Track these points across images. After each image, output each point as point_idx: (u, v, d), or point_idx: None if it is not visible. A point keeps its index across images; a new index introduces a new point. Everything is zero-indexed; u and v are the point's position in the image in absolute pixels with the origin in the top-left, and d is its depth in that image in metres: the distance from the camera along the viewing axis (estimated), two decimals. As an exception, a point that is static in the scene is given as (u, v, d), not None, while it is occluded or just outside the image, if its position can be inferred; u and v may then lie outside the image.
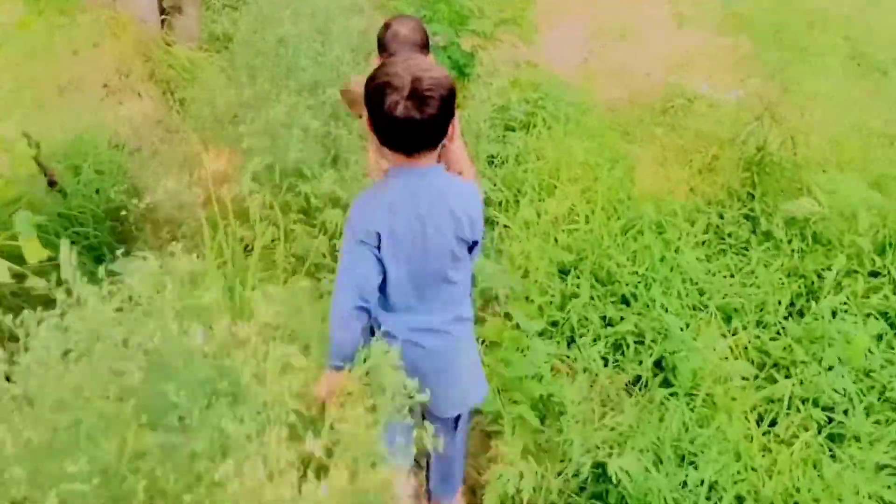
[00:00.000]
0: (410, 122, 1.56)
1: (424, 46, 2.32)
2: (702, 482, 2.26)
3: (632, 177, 3.49)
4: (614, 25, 6.25)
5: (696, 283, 3.06)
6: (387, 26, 2.33)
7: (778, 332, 2.92)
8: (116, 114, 4.55)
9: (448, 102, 1.59)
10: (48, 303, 1.36)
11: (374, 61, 2.32)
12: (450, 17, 4.16)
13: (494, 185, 3.56)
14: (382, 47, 2.32)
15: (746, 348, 2.80)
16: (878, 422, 2.58)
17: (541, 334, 2.69)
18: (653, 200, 3.35)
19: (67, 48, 4.62)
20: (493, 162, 3.69)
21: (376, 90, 1.58)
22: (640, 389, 2.65)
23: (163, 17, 4.62)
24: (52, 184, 3.04)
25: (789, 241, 3.28)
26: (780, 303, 3.01)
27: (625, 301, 3.03)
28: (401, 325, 1.78)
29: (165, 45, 4.57)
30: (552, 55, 5.28)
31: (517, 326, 2.62)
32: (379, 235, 1.66)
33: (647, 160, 3.69)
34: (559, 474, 2.32)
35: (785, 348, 2.79)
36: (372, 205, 1.69)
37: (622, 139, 3.92)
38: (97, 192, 3.30)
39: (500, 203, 3.52)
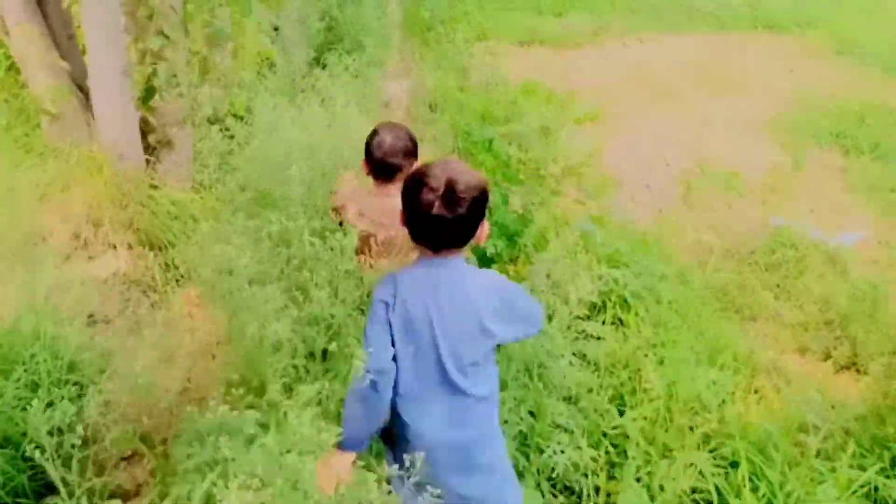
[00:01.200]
0: (440, 219, 1.69)
1: (412, 154, 2.36)
2: None
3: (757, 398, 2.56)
4: (692, 155, 5.55)
5: None
6: (374, 133, 2.40)
7: None
8: (85, 272, 3.79)
9: (479, 205, 1.71)
10: None
11: (361, 165, 2.42)
12: (495, 170, 3.41)
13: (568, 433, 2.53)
14: (368, 153, 2.38)
15: None
16: None
17: None
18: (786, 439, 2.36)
19: (32, 193, 3.92)
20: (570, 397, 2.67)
21: (413, 186, 1.72)
22: None
23: (148, 156, 3.93)
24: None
25: None
26: None
27: None
28: (412, 412, 1.83)
29: (150, 187, 3.85)
30: (625, 204, 4.55)
31: None
32: (390, 305, 1.76)
33: (763, 348, 2.82)
34: None
35: None
36: (392, 280, 1.80)
37: (727, 318, 3.06)
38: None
39: (587, 473, 2.47)
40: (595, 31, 9.40)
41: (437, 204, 1.67)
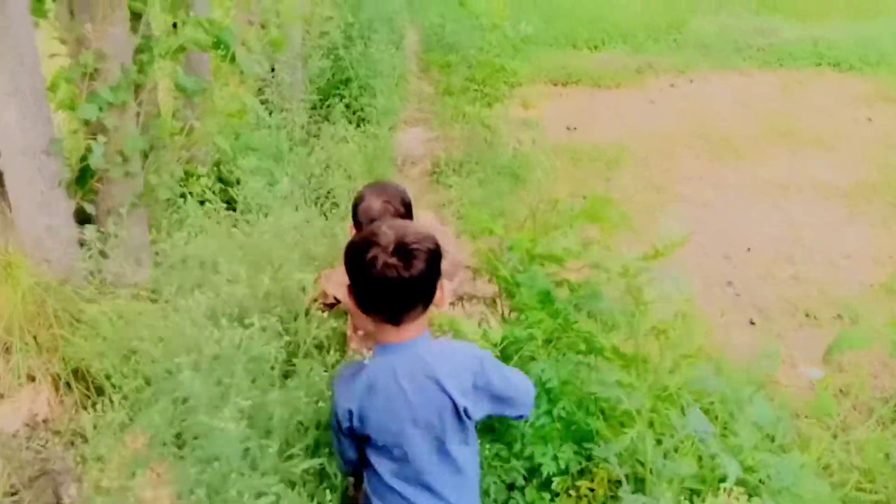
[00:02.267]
0: (396, 280, 1.57)
1: (405, 217, 2.13)
2: None
3: None
4: (779, 239, 4.63)
5: None
6: (360, 197, 2.17)
7: None
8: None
9: (435, 259, 1.62)
10: None
11: (349, 230, 2.24)
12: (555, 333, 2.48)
13: None
14: (355, 219, 2.16)
15: None
16: None
17: None
18: None
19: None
20: None
21: (358, 249, 1.62)
22: None
23: (85, 256, 3.05)
24: None
25: None
26: None
27: None
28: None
29: (84, 300, 2.96)
30: (713, 316, 3.63)
31: None
32: (351, 414, 1.70)
33: None
34: None
35: None
36: (350, 385, 1.72)
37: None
38: None
39: None
40: (638, 68, 8.52)
41: (389, 262, 1.57)
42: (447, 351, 1.74)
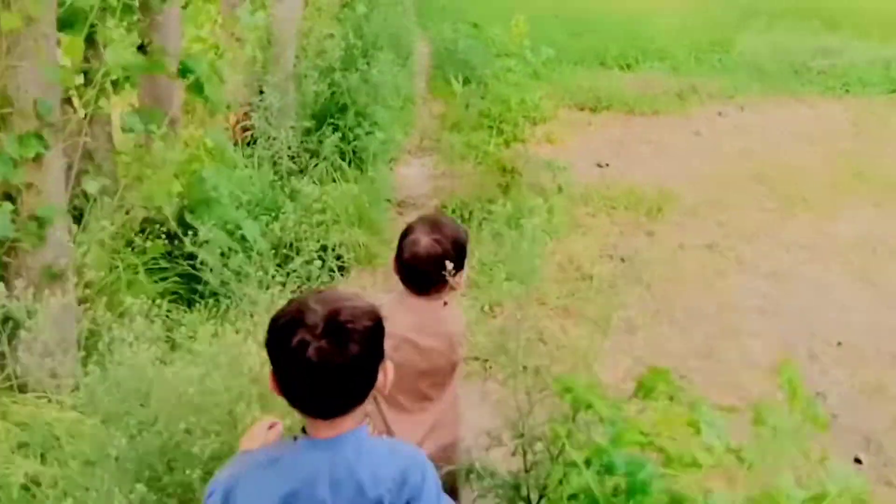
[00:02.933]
0: (326, 368, 1.32)
1: (455, 264, 1.87)
2: None
3: None
4: (872, 327, 3.65)
5: None
6: (408, 230, 1.98)
7: None
8: None
9: (376, 339, 1.39)
10: None
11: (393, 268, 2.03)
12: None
13: None
14: (399, 253, 1.97)
15: None
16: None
17: None
18: None
19: None
20: None
21: (281, 329, 1.35)
22: None
23: None
24: None
25: None
26: None
27: None
28: None
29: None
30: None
31: None
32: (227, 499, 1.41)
33: None
34: None
35: None
36: (257, 475, 1.41)
37: None
38: None
39: None
40: (679, 92, 7.59)
41: (318, 346, 1.29)
42: (383, 452, 1.46)
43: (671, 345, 3.64)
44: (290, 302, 1.42)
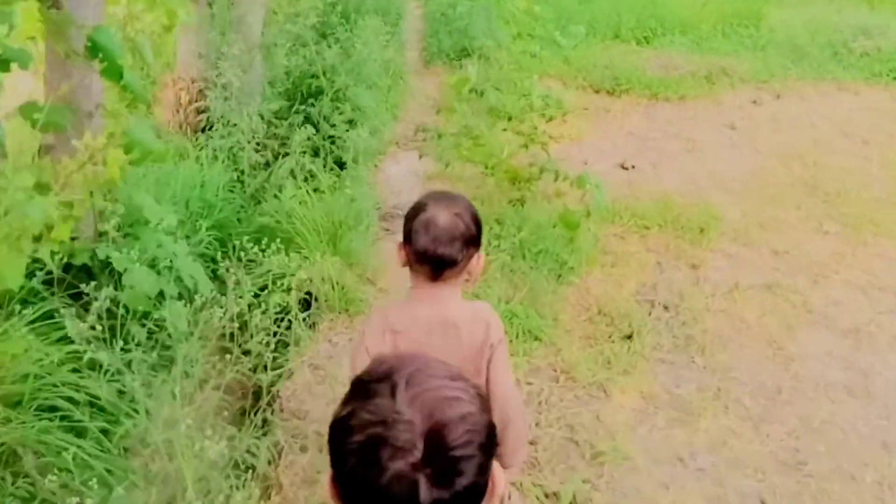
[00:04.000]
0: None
1: (473, 242, 1.70)
2: None
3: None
4: None
5: None
6: (420, 207, 1.72)
7: None
8: None
9: (487, 456, 0.94)
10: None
11: (396, 249, 1.78)
12: None
13: None
14: (409, 237, 1.70)
15: None
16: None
17: None
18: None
19: None
20: None
21: (363, 449, 0.90)
22: None
23: None
24: None
25: None
26: None
27: None
28: None
29: None
30: None
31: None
32: None
33: None
34: None
35: None
36: None
37: None
38: None
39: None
40: (707, 74, 6.60)
41: (415, 478, 0.88)
42: None
43: (744, 447, 2.76)
44: (358, 388, 0.96)
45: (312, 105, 4.91)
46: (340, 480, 0.95)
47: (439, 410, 0.91)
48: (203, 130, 5.13)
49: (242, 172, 4.85)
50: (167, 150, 3.33)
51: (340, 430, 0.93)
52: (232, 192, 4.64)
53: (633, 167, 5.11)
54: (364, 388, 0.94)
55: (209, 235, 4.12)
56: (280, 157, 4.99)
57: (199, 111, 5.13)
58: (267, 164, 4.91)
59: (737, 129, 5.84)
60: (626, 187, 4.77)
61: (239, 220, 4.53)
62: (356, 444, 0.91)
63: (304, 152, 4.50)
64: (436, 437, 0.90)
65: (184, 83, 5.20)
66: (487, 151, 3.93)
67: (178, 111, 5.23)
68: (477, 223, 1.74)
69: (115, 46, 2.80)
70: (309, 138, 4.70)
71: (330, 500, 0.99)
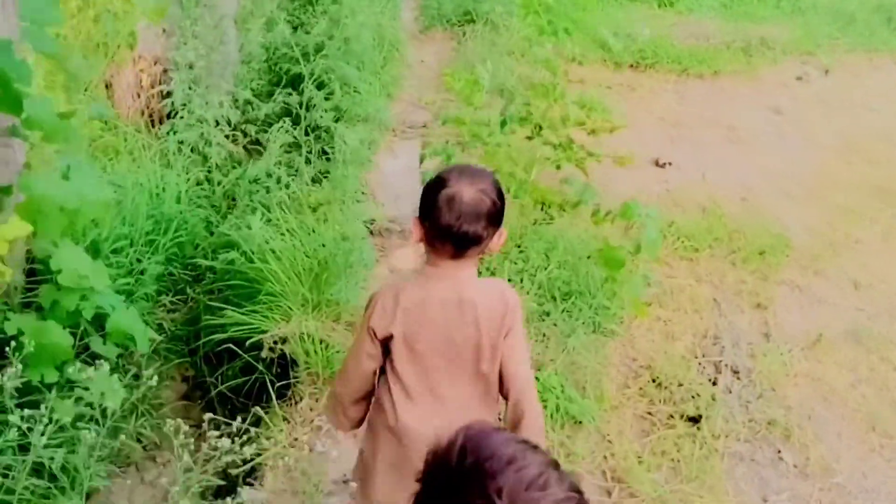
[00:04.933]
0: None
1: (497, 219, 1.61)
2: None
3: None
4: None
5: None
6: (441, 182, 1.59)
7: None
8: None
9: None
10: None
11: (412, 225, 1.66)
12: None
13: None
14: (429, 213, 1.59)
15: None
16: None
17: None
18: None
19: None
20: None
21: (446, 482, 0.91)
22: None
23: None
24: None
25: None
26: None
27: None
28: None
29: None
30: None
31: None
32: None
33: None
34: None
35: None
36: None
37: None
38: None
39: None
40: (744, 46, 5.77)
41: None
42: None
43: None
44: (449, 458, 0.90)
45: (290, 94, 4.08)
46: None
47: (527, 492, 0.86)
48: (169, 117, 4.32)
49: (210, 172, 4.07)
50: (68, 128, 2.44)
51: (433, 473, 0.92)
52: (199, 197, 3.87)
53: (669, 164, 4.34)
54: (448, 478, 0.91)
55: (168, 252, 3.40)
56: (258, 147, 4.21)
57: (163, 95, 4.31)
58: (237, 165, 4.12)
59: (782, 114, 5.05)
60: (665, 193, 4.01)
61: (209, 228, 3.79)
62: (437, 474, 0.91)
63: (280, 163, 3.72)
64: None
65: (145, 63, 4.37)
66: (508, 167, 3.13)
67: (138, 96, 4.41)
68: (502, 200, 1.63)
69: (14, 66, 1.99)
70: (288, 130, 3.92)
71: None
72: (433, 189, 1.59)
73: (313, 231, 3.01)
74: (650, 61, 5.63)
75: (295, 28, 5.22)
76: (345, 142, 4.07)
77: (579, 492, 0.91)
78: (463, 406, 1.67)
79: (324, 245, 2.90)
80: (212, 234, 3.79)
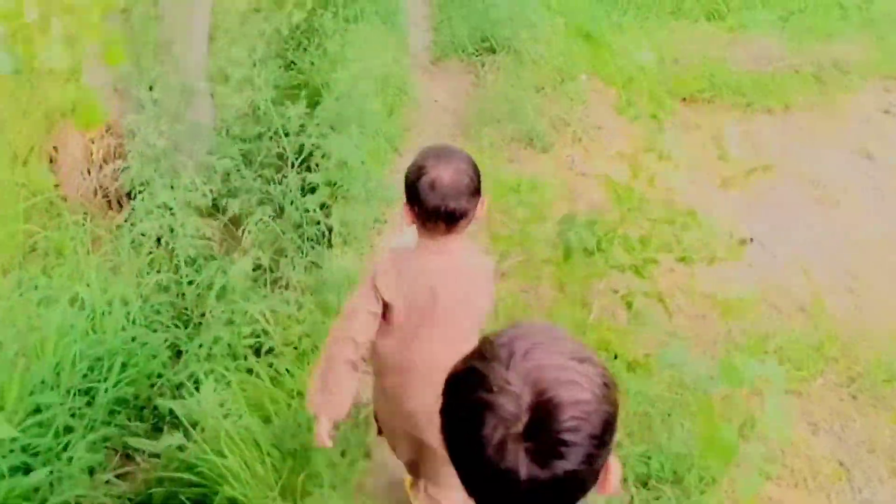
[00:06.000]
0: (525, 481, 0.89)
1: (477, 191, 1.77)
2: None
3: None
4: None
5: None
6: (419, 168, 1.75)
7: None
8: None
9: (599, 447, 0.90)
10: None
11: (402, 210, 1.80)
12: None
13: None
14: (415, 197, 1.74)
15: None
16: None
17: None
18: None
19: None
20: None
21: (468, 410, 0.92)
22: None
23: None
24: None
25: None
26: None
27: None
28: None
29: None
30: None
31: None
32: None
33: None
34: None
35: None
36: None
37: None
38: None
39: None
40: (815, 71, 4.89)
41: (519, 452, 0.87)
42: None
43: None
44: (484, 347, 0.95)
45: (272, 181, 3.26)
46: (449, 437, 0.95)
47: (551, 389, 0.88)
48: (130, 196, 3.53)
49: (178, 268, 3.28)
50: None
51: (454, 385, 0.96)
52: (157, 312, 3.07)
53: (752, 241, 3.48)
54: (488, 348, 0.94)
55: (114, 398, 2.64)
56: (232, 245, 3.42)
57: (120, 174, 3.52)
58: (210, 259, 3.31)
59: (873, 158, 4.18)
60: (754, 285, 3.15)
61: (174, 350, 3.00)
62: (465, 404, 0.92)
63: (259, 267, 2.91)
64: (541, 414, 0.88)
65: (95, 132, 3.59)
66: (561, 304, 2.29)
67: (89, 172, 3.62)
68: (478, 173, 1.76)
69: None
70: (267, 224, 3.12)
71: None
72: (414, 176, 1.72)
73: (291, 402, 2.19)
74: (706, 92, 4.77)
75: (290, 65, 4.44)
76: (342, 226, 3.28)
77: (608, 383, 0.90)
78: (452, 360, 1.48)
79: (308, 429, 2.08)
80: (178, 354, 3.02)
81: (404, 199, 1.76)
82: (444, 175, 1.70)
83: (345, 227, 3.32)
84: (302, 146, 3.21)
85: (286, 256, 3.10)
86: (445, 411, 0.96)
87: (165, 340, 2.94)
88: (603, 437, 0.90)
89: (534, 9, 5.46)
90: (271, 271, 3.11)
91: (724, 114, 4.63)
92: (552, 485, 0.89)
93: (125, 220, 3.36)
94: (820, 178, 4.01)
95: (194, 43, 3.50)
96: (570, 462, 0.88)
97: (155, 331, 2.97)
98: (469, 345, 1.64)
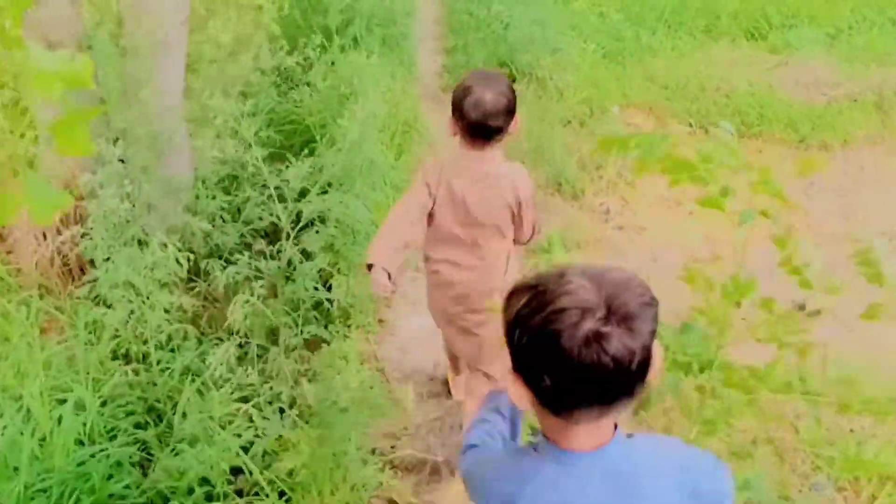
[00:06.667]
0: (614, 371, 1.00)
1: (513, 111, 2.07)
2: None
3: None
4: None
5: None
6: (466, 89, 2.04)
7: None
8: None
9: (655, 322, 1.04)
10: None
11: (448, 123, 2.10)
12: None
13: None
14: (461, 113, 2.05)
15: None
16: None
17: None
18: None
19: None
20: None
21: (544, 321, 1.00)
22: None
23: None
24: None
25: None
26: None
27: None
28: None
29: None
30: None
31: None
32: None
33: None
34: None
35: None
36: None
37: None
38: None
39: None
40: (876, 100, 4.37)
41: (605, 335, 0.97)
42: (661, 452, 1.15)
43: None
44: (533, 286, 1.03)
45: (261, 255, 2.75)
46: (523, 365, 1.03)
47: (609, 282, 1.00)
48: (94, 265, 3.02)
49: (146, 356, 2.77)
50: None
51: (522, 316, 1.01)
52: (121, 417, 2.56)
53: (819, 313, 2.95)
54: (538, 284, 1.02)
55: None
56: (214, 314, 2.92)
57: (80, 239, 3.00)
58: (198, 341, 2.80)
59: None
60: (826, 370, 2.63)
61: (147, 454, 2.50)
62: (541, 319, 0.99)
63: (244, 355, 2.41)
64: (613, 297, 0.98)
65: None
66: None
67: (44, 237, 3.13)
68: (514, 95, 2.04)
69: None
70: (254, 305, 2.60)
71: (516, 400, 1.06)
72: (461, 95, 2.01)
73: None
74: (753, 125, 4.25)
75: (290, 88, 3.93)
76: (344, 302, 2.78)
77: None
78: (491, 254, 2.17)
79: None
80: (145, 472, 2.51)
81: (451, 114, 2.06)
82: (487, 96, 1.98)
83: (348, 300, 2.84)
84: (300, 213, 2.70)
85: (277, 345, 2.60)
86: (518, 345, 1.02)
87: (130, 457, 2.44)
88: (655, 310, 1.01)
89: (557, 30, 4.96)
90: (259, 358, 2.62)
91: (774, 149, 4.10)
92: (631, 361, 0.97)
93: (85, 297, 2.86)
94: (889, 227, 3.48)
95: (168, 85, 3.01)
96: (644, 337, 0.99)
97: (116, 437, 2.48)
98: (507, 240, 2.18)
